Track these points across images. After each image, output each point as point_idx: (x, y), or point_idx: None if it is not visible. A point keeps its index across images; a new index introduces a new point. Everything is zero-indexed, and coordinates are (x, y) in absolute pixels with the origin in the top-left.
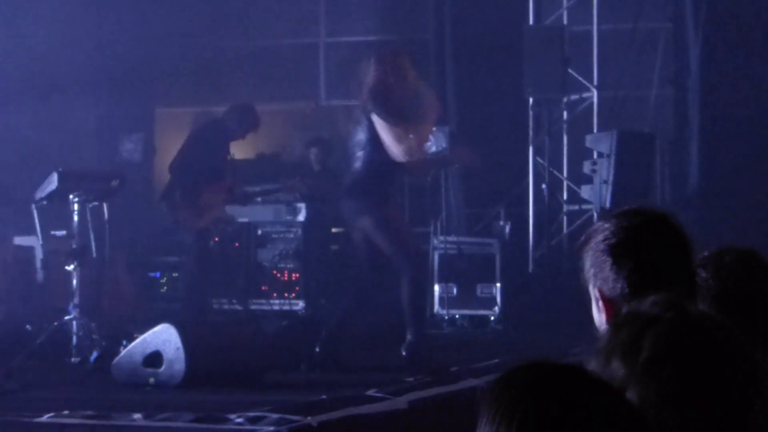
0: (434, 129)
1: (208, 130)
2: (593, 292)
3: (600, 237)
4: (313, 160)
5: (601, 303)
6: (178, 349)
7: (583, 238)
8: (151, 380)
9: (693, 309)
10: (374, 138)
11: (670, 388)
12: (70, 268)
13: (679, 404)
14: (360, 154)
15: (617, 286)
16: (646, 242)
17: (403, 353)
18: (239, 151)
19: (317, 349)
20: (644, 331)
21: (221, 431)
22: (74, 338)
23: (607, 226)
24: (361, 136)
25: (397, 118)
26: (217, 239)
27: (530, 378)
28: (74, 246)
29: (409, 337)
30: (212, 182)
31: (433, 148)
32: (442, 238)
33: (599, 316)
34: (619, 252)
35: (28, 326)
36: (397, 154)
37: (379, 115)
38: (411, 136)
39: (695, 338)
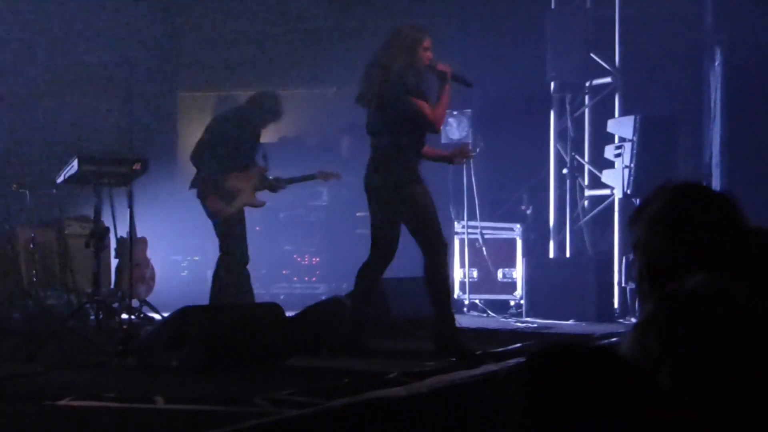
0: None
1: (230, 118)
2: (639, 263)
3: (654, 210)
4: (344, 147)
5: (646, 274)
6: (200, 331)
7: (638, 206)
8: (174, 363)
9: (734, 291)
10: (398, 118)
11: (707, 369)
12: (91, 251)
13: (716, 385)
14: (384, 134)
15: (664, 262)
16: (699, 224)
17: (429, 338)
18: (262, 136)
19: (340, 334)
20: (683, 311)
21: (244, 414)
22: (96, 321)
23: (663, 200)
24: (383, 116)
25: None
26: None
27: (556, 359)
28: (95, 229)
29: (434, 321)
30: (238, 169)
31: (457, 134)
32: (464, 222)
33: (642, 288)
34: (671, 229)
35: (49, 309)
36: (431, 124)
37: (405, 93)
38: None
39: (735, 320)
